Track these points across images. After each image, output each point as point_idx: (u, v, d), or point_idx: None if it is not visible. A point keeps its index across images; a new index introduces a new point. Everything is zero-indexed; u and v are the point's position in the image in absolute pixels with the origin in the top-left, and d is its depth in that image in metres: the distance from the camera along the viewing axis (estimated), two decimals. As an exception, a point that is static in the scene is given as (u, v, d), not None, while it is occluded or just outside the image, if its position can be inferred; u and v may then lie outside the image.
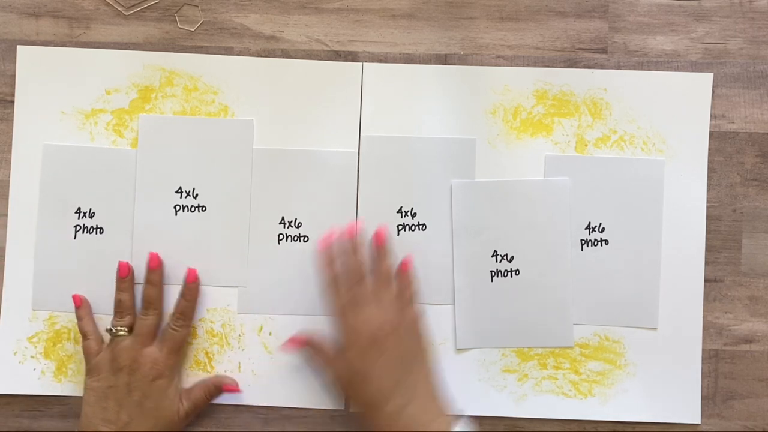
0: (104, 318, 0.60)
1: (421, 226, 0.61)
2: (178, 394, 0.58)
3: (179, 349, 0.58)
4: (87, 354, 0.58)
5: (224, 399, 0.60)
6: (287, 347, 0.60)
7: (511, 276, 0.60)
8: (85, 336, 0.58)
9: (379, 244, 0.58)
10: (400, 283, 0.57)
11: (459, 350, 0.60)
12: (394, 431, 0.51)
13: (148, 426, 0.55)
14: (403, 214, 0.61)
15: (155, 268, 0.59)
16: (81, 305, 0.59)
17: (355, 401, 0.53)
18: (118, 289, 0.59)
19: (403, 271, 0.58)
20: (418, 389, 0.52)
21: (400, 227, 0.61)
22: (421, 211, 0.61)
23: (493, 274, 0.60)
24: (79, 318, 0.59)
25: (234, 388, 0.59)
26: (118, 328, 0.57)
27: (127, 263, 0.59)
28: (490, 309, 0.60)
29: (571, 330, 0.60)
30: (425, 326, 0.57)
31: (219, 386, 0.59)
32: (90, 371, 0.57)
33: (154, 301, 0.58)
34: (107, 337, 0.58)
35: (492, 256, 0.60)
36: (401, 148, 0.61)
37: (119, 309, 0.58)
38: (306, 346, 0.59)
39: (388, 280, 0.57)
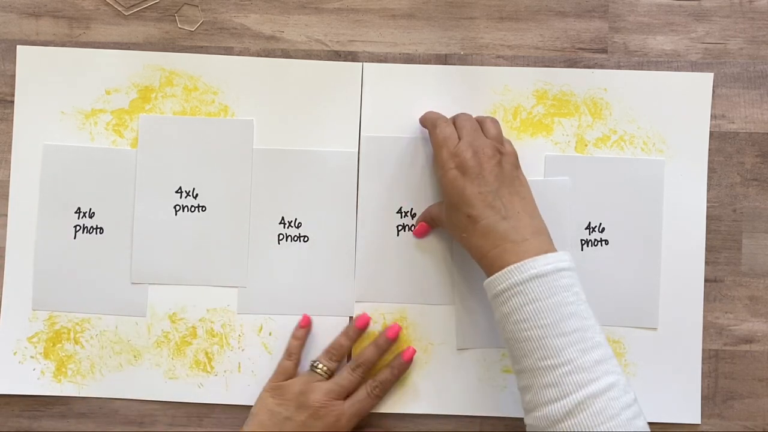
0: (105, 318, 0.60)
1: (421, 226, 0.61)
2: None
3: (363, 416, 0.58)
4: (280, 372, 0.58)
5: (226, 399, 0.60)
6: (417, 235, 0.60)
7: (511, 276, 0.60)
8: (289, 355, 0.59)
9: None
10: (493, 125, 0.57)
11: (459, 350, 0.60)
12: (485, 244, 0.51)
13: None
14: (403, 214, 0.61)
15: (393, 338, 0.59)
16: (306, 327, 0.60)
17: (456, 224, 0.54)
18: (345, 334, 0.59)
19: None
20: (513, 210, 0.52)
21: (400, 227, 0.61)
22: (420, 211, 0.60)
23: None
24: (295, 337, 0.59)
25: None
26: (323, 368, 0.57)
27: (369, 319, 0.60)
28: (490, 309, 0.60)
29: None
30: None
31: None
32: (274, 390, 0.57)
33: (369, 363, 0.58)
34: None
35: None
36: (401, 148, 0.61)
37: (334, 351, 0.58)
38: (427, 226, 0.60)
39: (483, 122, 0.57)
